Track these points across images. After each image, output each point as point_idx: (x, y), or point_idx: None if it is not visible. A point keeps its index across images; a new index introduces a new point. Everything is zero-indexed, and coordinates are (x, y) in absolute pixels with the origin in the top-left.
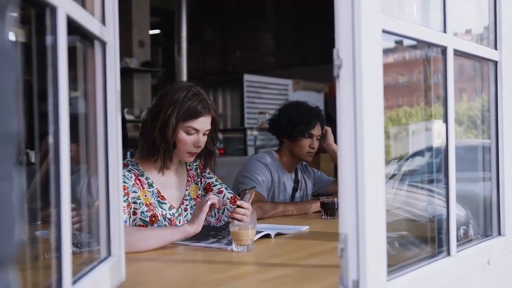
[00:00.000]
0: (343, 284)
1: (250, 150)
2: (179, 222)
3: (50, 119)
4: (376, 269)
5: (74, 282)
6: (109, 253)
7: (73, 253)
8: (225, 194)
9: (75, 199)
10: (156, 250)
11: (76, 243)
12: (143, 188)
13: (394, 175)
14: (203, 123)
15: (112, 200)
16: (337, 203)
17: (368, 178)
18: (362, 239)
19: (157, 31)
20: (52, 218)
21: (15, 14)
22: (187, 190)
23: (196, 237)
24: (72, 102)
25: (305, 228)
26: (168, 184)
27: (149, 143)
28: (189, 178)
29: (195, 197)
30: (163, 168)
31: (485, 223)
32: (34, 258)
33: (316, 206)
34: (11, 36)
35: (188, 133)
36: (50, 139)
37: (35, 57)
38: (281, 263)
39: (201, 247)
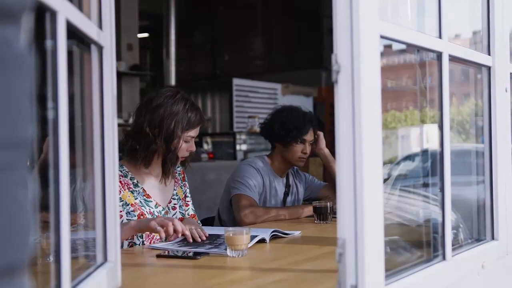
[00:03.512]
0: None
1: (239, 155)
2: None
3: (50, 123)
4: (374, 273)
5: None
6: (105, 259)
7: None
8: (189, 208)
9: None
10: (151, 256)
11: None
12: (125, 189)
13: (385, 180)
14: (198, 130)
15: (108, 205)
16: (330, 207)
17: (366, 182)
18: (361, 244)
19: (145, 35)
20: (50, 223)
21: (29, 21)
22: (175, 190)
23: (193, 244)
24: (68, 106)
25: (297, 233)
26: (155, 184)
27: (152, 153)
28: (176, 180)
29: (182, 197)
30: (166, 176)
31: (479, 227)
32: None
33: (308, 210)
34: (26, 43)
35: (186, 142)
36: (50, 143)
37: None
38: (277, 268)
39: (199, 252)
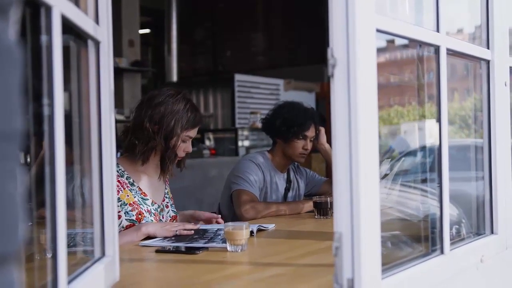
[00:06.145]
0: (337, 283)
1: (241, 151)
2: (163, 218)
3: (45, 120)
4: (371, 267)
5: (69, 282)
6: (103, 253)
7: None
8: (169, 210)
9: (67, 199)
10: (150, 251)
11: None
12: (124, 188)
13: (386, 175)
14: (196, 131)
15: (106, 200)
16: (330, 202)
17: (362, 177)
18: (357, 237)
19: (147, 31)
20: (46, 218)
21: (18, 14)
22: (166, 189)
23: (188, 239)
24: (65, 102)
25: (271, 226)
26: (149, 183)
27: (150, 149)
28: (167, 180)
29: (171, 196)
30: (165, 174)
31: (478, 221)
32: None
33: (308, 205)
34: (14, 35)
35: (183, 141)
36: (46, 139)
37: (28, 57)
38: (275, 263)
39: (199, 247)
